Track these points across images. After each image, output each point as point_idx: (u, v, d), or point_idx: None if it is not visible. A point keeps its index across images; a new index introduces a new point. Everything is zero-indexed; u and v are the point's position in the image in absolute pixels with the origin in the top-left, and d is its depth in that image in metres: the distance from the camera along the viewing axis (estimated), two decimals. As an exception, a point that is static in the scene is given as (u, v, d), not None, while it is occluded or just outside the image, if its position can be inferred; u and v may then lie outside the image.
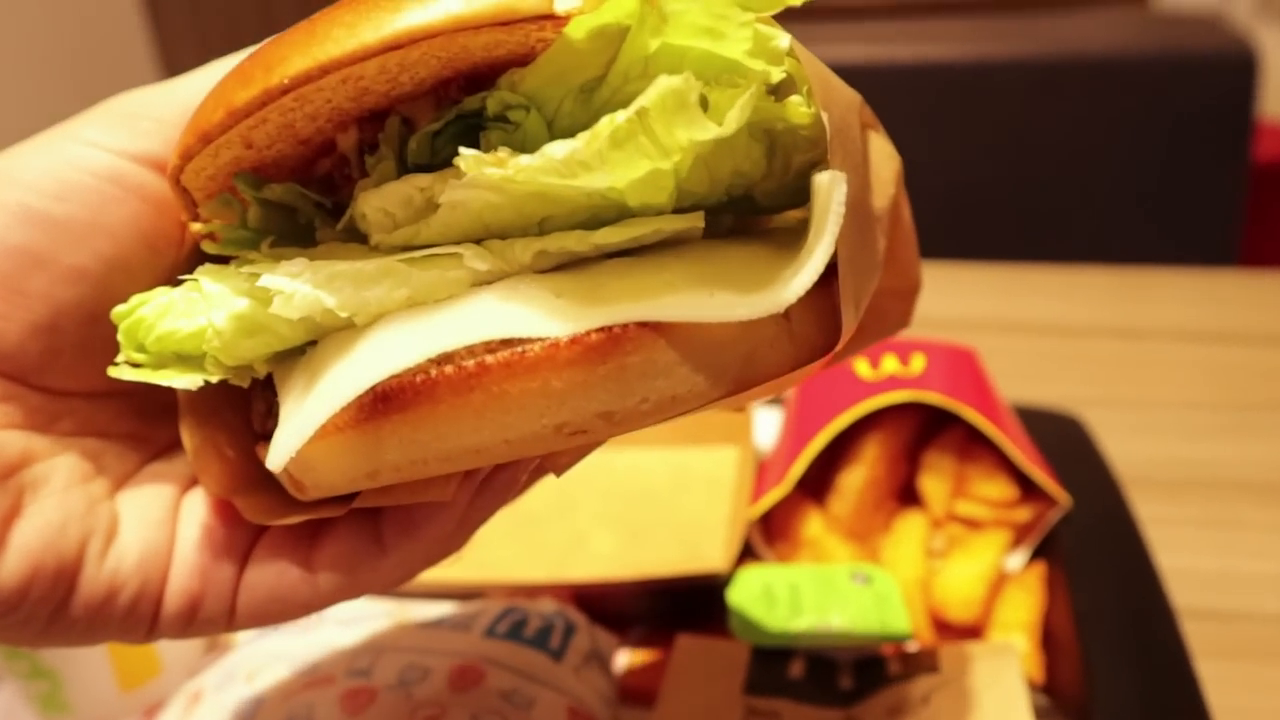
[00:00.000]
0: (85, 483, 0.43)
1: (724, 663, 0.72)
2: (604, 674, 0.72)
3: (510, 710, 0.65)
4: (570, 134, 0.34)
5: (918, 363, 0.91)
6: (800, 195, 0.38)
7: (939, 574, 0.82)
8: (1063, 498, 0.81)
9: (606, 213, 0.36)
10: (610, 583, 0.83)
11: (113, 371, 0.39)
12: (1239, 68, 1.93)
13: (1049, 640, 0.76)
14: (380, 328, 0.35)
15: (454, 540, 0.47)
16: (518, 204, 0.35)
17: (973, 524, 0.85)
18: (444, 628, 0.72)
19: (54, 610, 0.41)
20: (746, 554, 0.86)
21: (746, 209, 0.40)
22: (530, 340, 0.33)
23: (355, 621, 0.75)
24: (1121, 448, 0.98)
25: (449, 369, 0.34)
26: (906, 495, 0.90)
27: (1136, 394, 1.14)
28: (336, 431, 0.35)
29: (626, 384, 0.34)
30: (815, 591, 0.79)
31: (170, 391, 0.44)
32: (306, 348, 0.39)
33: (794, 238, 0.37)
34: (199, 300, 0.38)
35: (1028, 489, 0.85)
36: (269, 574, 0.45)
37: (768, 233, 0.41)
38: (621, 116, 0.32)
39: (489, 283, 0.35)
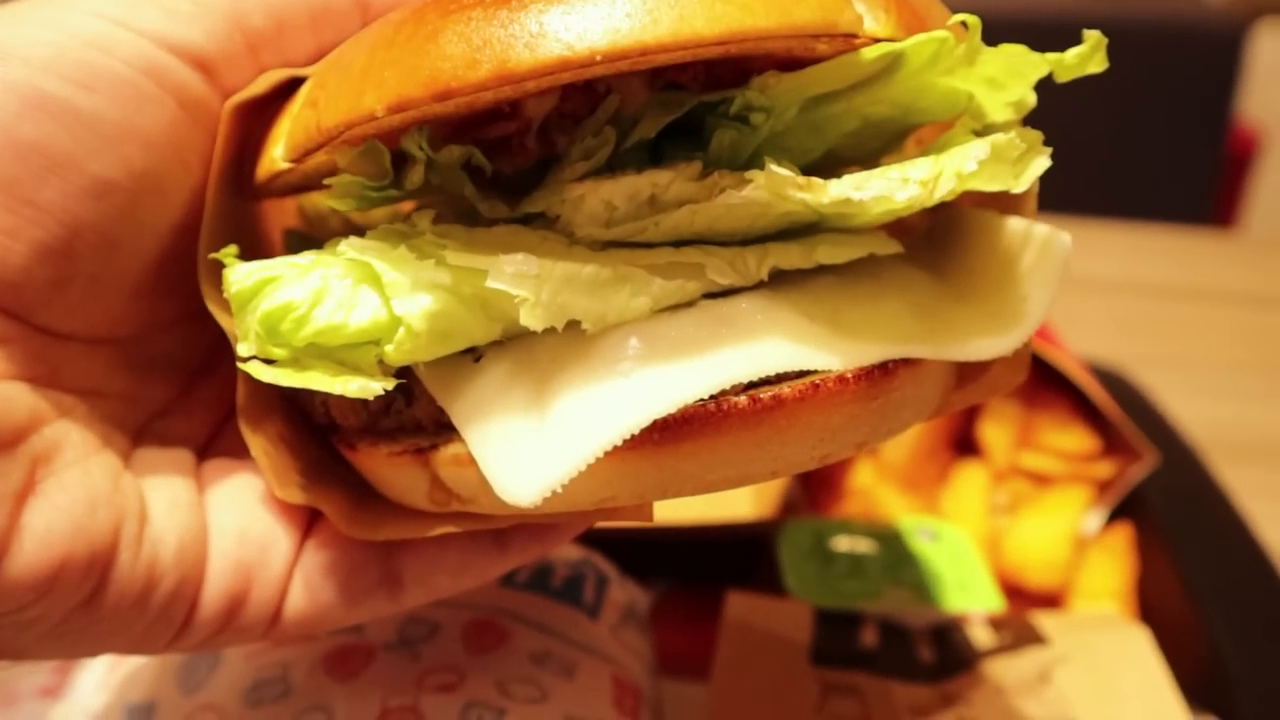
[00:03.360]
0: (100, 452, 0.35)
1: (785, 626, 0.60)
2: (642, 635, 0.60)
3: (546, 678, 0.52)
4: (786, 139, 0.35)
5: (978, 296, 0.80)
6: None
7: (1011, 533, 0.72)
8: (1150, 453, 0.71)
9: (799, 224, 0.36)
10: (628, 529, 0.71)
11: (258, 372, 0.33)
12: (1224, 44, 1.89)
13: (1149, 610, 0.66)
14: (634, 341, 0.33)
15: None
16: (756, 217, 0.34)
17: (1041, 479, 0.75)
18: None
19: (76, 607, 0.33)
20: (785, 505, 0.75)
21: None
22: (817, 374, 0.33)
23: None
24: (1173, 408, 0.89)
25: (742, 400, 0.32)
26: (962, 444, 0.79)
27: (1173, 354, 1.05)
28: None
29: (884, 416, 0.35)
30: (878, 548, 0.67)
31: (163, 343, 0.39)
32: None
33: (959, 266, 0.39)
34: (361, 289, 0.33)
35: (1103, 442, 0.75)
36: (334, 576, 0.38)
37: (922, 258, 0.40)
38: (971, 164, 0.32)
39: (719, 294, 0.34)
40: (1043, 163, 0.33)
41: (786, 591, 0.64)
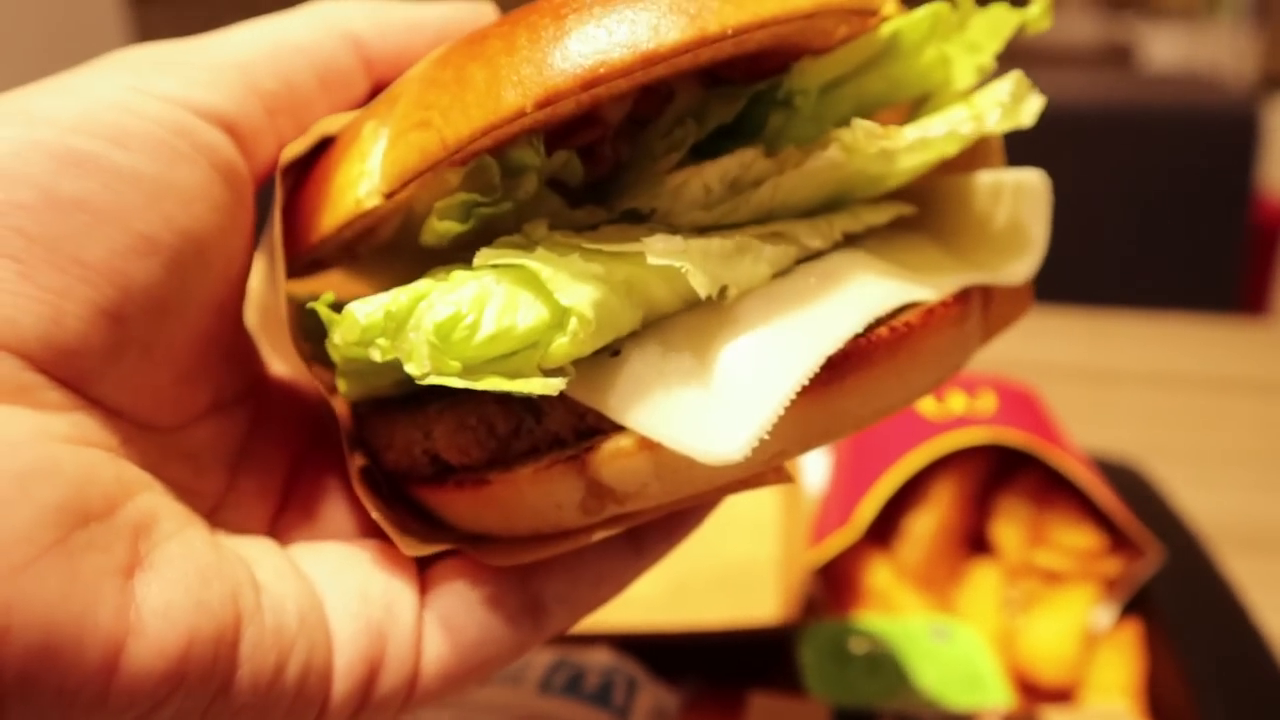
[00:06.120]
0: (193, 524, 0.33)
1: (804, 725, 0.64)
2: (670, 736, 0.64)
3: (578, 778, 0.56)
4: (807, 125, 0.37)
5: (987, 400, 0.85)
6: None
7: (1024, 630, 0.75)
8: (1155, 550, 0.75)
9: (837, 196, 0.39)
10: (657, 633, 0.75)
11: (450, 380, 0.31)
12: (1239, 125, 1.93)
13: (1157, 706, 0.69)
14: (767, 303, 0.35)
15: None
16: (822, 185, 0.37)
17: (1052, 576, 0.79)
18: (490, 681, 0.64)
19: (213, 699, 0.30)
20: (806, 605, 0.79)
21: None
22: (926, 304, 0.36)
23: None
24: (1183, 501, 0.92)
25: (883, 331, 0.35)
26: (975, 543, 0.83)
27: (1192, 445, 1.08)
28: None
29: (968, 339, 0.39)
30: (893, 647, 0.71)
31: (200, 435, 0.38)
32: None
33: (949, 226, 0.43)
34: (520, 293, 0.32)
35: (1111, 540, 0.79)
36: (473, 613, 0.36)
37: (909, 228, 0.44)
38: (1005, 97, 0.37)
39: (808, 258, 0.37)
40: (1038, 100, 0.38)
41: (807, 691, 0.68)
